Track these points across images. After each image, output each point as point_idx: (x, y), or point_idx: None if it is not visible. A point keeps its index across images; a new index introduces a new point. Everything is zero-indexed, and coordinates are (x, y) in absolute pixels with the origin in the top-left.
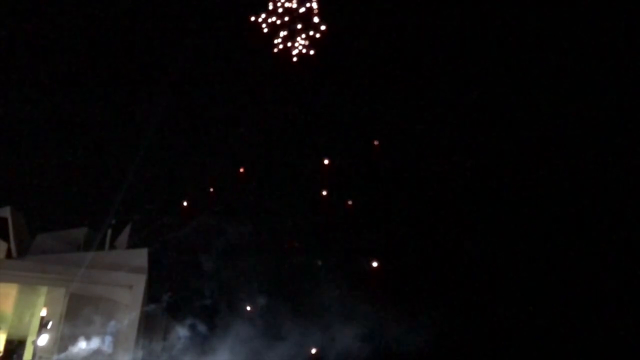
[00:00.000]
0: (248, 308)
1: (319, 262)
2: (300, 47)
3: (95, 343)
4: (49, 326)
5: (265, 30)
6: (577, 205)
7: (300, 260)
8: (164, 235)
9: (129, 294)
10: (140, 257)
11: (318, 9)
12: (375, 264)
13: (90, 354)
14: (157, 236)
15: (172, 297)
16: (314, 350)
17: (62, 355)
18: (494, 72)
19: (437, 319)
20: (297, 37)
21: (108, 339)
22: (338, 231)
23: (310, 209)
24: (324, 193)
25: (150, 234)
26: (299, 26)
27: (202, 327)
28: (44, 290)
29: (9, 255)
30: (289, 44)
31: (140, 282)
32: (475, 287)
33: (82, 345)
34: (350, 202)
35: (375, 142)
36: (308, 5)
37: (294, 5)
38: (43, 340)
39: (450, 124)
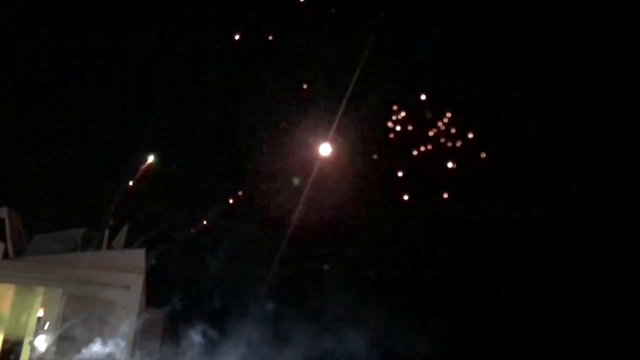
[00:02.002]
0: (250, 311)
1: (326, 267)
2: None
3: (97, 344)
4: (46, 327)
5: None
6: (583, 213)
7: (307, 265)
8: (169, 236)
9: (126, 294)
10: (138, 257)
11: None
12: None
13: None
14: (161, 237)
15: (172, 298)
16: None
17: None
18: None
19: (445, 326)
20: None
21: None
22: (346, 237)
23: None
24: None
25: (154, 235)
26: None
27: (201, 328)
28: (41, 290)
29: (5, 255)
30: None
31: (137, 283)
32: (482, 294)
33: (84, 347)
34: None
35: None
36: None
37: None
38: (40, 341)
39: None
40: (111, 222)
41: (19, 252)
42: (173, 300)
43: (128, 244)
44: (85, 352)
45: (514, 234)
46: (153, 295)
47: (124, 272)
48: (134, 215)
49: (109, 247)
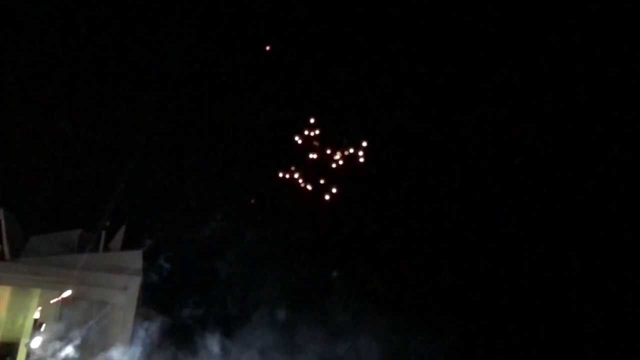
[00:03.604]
0: (254, 316)
1: (334, 273)
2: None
3: (94, 346)
4: (42, 328)
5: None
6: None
7: (314, 270)
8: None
9: (123, 296)
10: (135, 259)
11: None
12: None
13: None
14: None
15: (169, 301)
16: None
17: None
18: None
19: (458, 335)
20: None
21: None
22: (355, 243)
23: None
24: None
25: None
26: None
27: (198, 331)
28: (37, 292)
29: (2, 257)
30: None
31: (135, 284)
32: (495, 303)
33: (81, 349)
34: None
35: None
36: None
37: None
38: (36, 342)
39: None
40: (108, 223)
41: (16, 254)
42: (171, 302)
43: (126, 246)
44: (81, 354)
45: (533, 244)
46: (150, 297)
47: (121, 274)
48: (131, 216)
49: (106, 248)
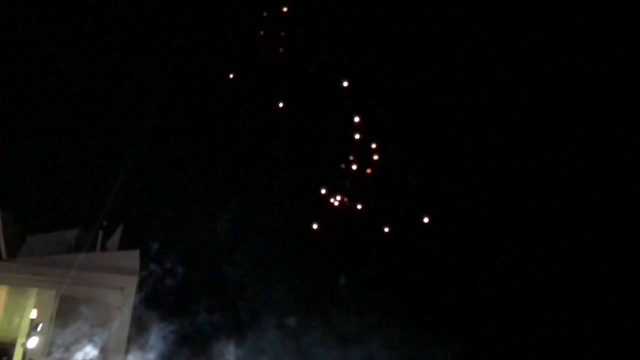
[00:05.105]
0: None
1: (343, 280)
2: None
3: (90, 346)
4: (38, 328)
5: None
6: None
7: (322, 275)
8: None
9: (120, 295)
10: (132, 259)
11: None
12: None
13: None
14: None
15: (166, 299)
16: None
17: None
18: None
19: (462, 346)
20: None
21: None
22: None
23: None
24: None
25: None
26: None
27: (194, 330)
28: (34, 292)
29: None
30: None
31: (131, 284)
32: (499, 311)
33: (77, 349)
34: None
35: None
36: None
37: None
38: (33, 342)
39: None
40: (105, 223)
41: (12, 253)
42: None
43: (123, 245)
44: (78, 353)
45: (539, 256)
46: (148, 297)
47: (118, 274)
48: (128, 216)
49: (103, 248)
